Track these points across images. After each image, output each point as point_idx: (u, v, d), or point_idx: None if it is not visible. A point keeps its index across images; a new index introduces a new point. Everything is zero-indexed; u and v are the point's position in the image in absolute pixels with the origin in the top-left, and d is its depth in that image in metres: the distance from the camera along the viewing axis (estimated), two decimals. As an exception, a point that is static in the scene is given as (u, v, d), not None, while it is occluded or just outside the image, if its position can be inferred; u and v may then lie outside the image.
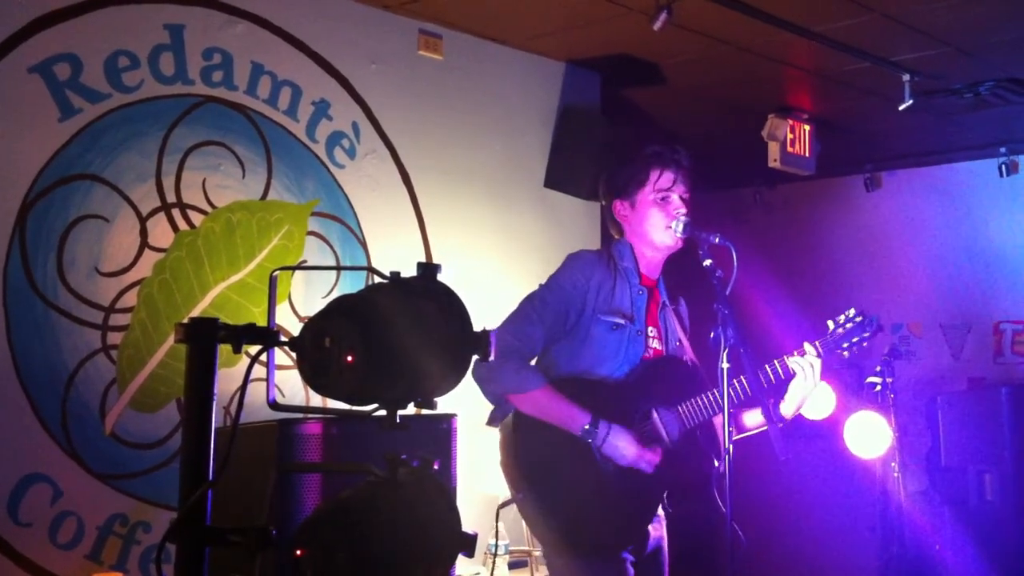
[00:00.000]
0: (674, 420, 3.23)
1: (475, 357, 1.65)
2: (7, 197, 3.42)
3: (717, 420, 3.27)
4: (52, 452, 3.46)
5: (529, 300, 3.29)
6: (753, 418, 3.34)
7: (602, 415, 3.16)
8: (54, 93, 3.53)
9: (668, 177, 3.30)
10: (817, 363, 3.22)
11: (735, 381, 3.09)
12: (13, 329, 3.40)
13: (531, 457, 3.24)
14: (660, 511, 3.36)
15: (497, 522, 3.69)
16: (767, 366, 3.24)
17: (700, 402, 3.23)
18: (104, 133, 3.64)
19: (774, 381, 3.23)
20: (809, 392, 3.24)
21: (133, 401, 3.66)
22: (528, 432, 3.24)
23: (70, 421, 3.50)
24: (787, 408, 3.25)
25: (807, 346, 3.24)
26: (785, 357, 3.25)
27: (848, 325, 3.28)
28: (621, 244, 3.41)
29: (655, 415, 3.23)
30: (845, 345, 3.28)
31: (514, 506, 3.30)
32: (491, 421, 3.32)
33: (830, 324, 3.31)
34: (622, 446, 3.14)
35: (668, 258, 3.40)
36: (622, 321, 3.26)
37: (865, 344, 3.30)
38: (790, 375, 3.23)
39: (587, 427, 3.13)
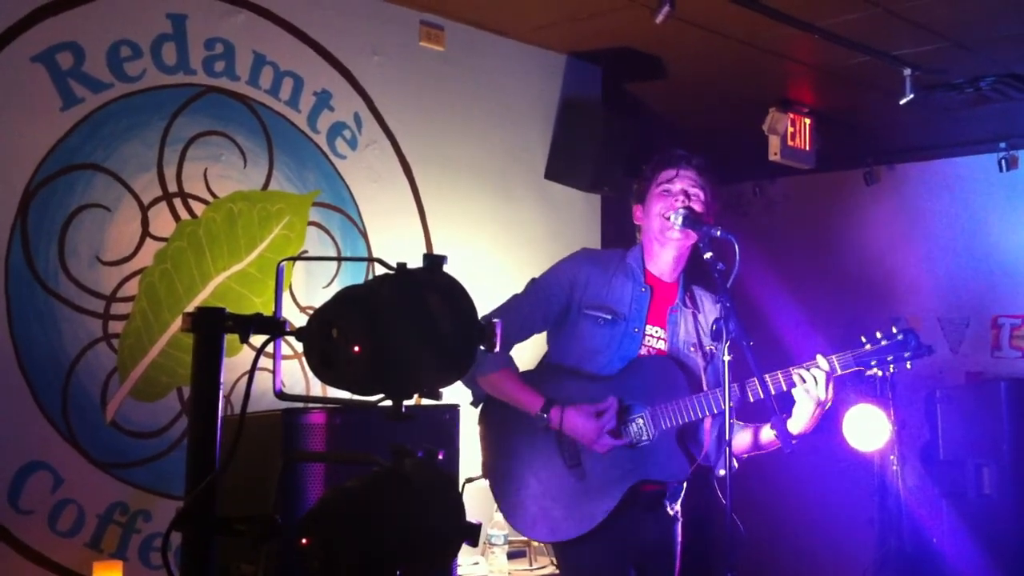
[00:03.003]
0: (648, 417, 3.23)
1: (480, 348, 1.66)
2: (9, 186, 3.42)
3: (705, 424, 3.28)
4: (53, 440, 3.46)
5: (521, 291, 3.41)
6: (743, 438, 3.29)
7: (566, 402, 3.20)
8: (56, 82, 3.53)
9: (668, 172, 3.33)
10: (821, 375, 3.06)
11: (733, 387, 3.03)
12: (15, 317, 3.40)
13: (496, 441, 3.37)
14: (673, 511, 3.36)
15: (464, 485, 3.77)
16: (768, 376, 3.13)
17: (680, 404, 3.19)
18: (106, 123, 3.64)
19: (773, 392, 3.12)
20: (814, 406, 3.08)
21: (134, 390, 3.67)
22: (494, 417, 3.37)
23: (71, 409, 3.51)
24: (794, 424, 3.11)
25: (819, 358, 3.12)
26: (791, 369, 3.12)
27: (884, 341, 3.14)
28: (636, 246, 3.45)
29: (629, 410, 3.25)
30: (874, 362, 3.13)
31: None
32: (473, 402, 3.43)
33: (863, 339, 3.16)
34: (578, 427, 3.18)
35: (686, 258, 3.39)
36: (609, 316, 3.29)
37: (908, 365, 3.13)
38: (792, 386, 3.11)
39: (540, 412, 3.21)
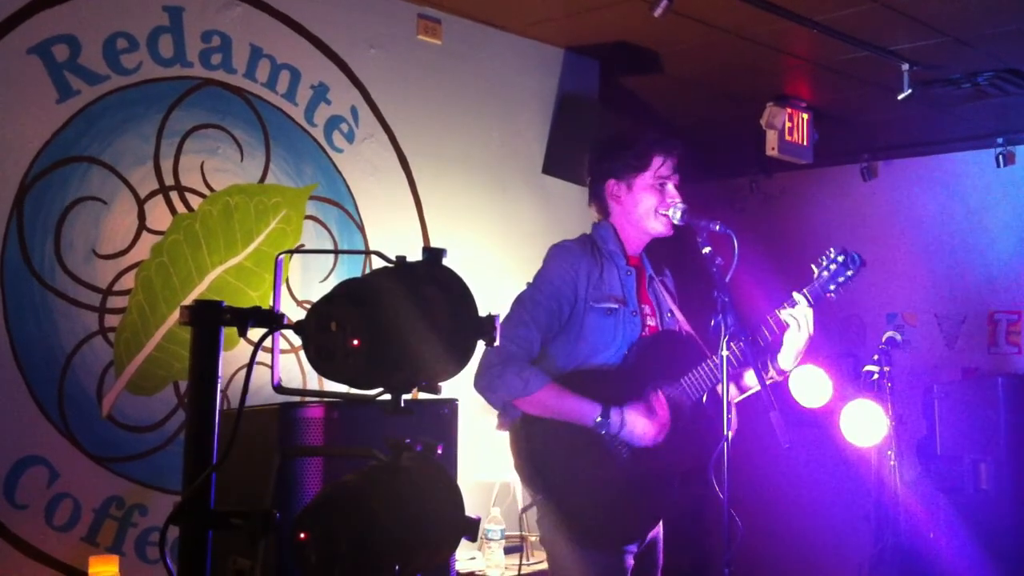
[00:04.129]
0: (680, 395, 3.24)
1: (480, 342, 1.65)
2: (5, 179, 3.40)
3: (718, 389, 3.30)
4: (49, 434, 3.45)
5: (519, 303, 3.28)
6: (752, 377, 3.33)
7: (610, 403, 3.16)
8: (52, 75, 3.51)
9: (669, 166, 3.34)
10: (809, 312, 3.26)
11: (732, 345, 3.09)
12: (10, 311, 3.39)
13: (541, 456, 3.23)
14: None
15: (522, 516, 3.64)
16: (761, 325, 3.27)
17: (701, 372, 3.25)
18: (102, 115, 3.62)
19: (770, 338, 3.27)
20: (804, 341, 3.27)
21: (130, 384, 3.66)
22: (534, 431, 3.22)
23: (67, 403, 3.50)
24: (785, 360, 3.29)
25: (796, 296, 3.28)
26: (776, 311, 3.28)
27: (832, 267, 3.31)
28: (603, 228, 3.44)
29: (661, 394, 3.25)
30: (832, 287, 3.30)
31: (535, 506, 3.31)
32: (500, 425, 3.32)
33: (814, 268, 3.34)
34: (640, 425, 3.15)
35: (652, 240, 3.44)
36: (615, 306, 3.28)
37: (850, 283, 3.34)
38: (784, 328, 3.27)
39: (599, 419, 3.13)
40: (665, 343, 3.34)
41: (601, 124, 5.06)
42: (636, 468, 3.19)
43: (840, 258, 3.31)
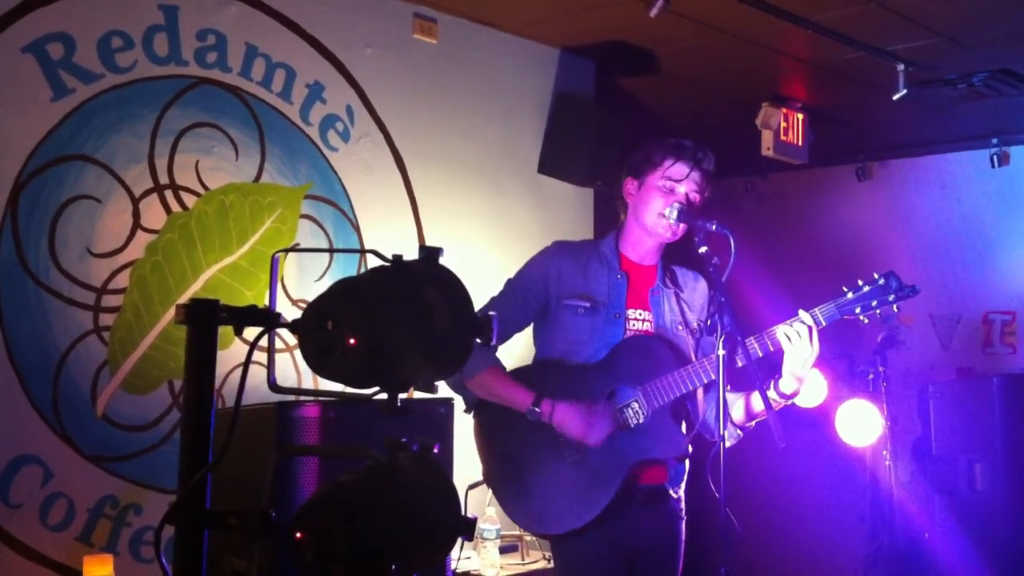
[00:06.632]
0: (640, 398, 3.22)
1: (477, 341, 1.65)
2: (-1, 177, 3.40)
3: (698, 396, 3.28)
4: (43, 433, 3.44)
5: (499, 292, 3.39)
6: (738, 410, 3.29)
7: (555, 395, 3.19)
8: (47, 73, 3.50)
9: (680, 169, 3.29)
10: (804, 329, 3.10)
11: (714, 356, 3.01)
12: (5, 310, 3.38)
13: (494, 441, 3.33)
14: (676, 496, 3.36)
15: (465, 503, 3.71)
16: (753, 338, 3.15)
17: (669, 380, 3.20)
18: (97, 114, 3.61)
19: (760, 353, 3.15)
20: (805, 361, 3.11)
21: (125, 383, 3.65)
22: (490, 416, 3.33)
23: (61, 402, 3.49)
24: (786, 384, 3.15)
25: (802, 313, 3.14)
26: (775, 328, 3.15)
27: (865, 288, 3.16)
28: (612, 231, 3.46)
29: (618, 394, 3.24)
30: (858, 309, 3.14)
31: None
32: (466, 408, 3.39)
33: (845, 288, 3.18)
34: (568, 422, 3.16)
35: (666, 245, 3.40)
36: (588, 304, 3.29)
37: (895, 308, 3.16)
38: (779, 347, 3.14)
39: (531, 407, 3.18)
40: (641, 347, 3.29)
41: (597, 124, 5.05)
42: (575, 463, 3.20)
43: (880, 281, 3.15)
